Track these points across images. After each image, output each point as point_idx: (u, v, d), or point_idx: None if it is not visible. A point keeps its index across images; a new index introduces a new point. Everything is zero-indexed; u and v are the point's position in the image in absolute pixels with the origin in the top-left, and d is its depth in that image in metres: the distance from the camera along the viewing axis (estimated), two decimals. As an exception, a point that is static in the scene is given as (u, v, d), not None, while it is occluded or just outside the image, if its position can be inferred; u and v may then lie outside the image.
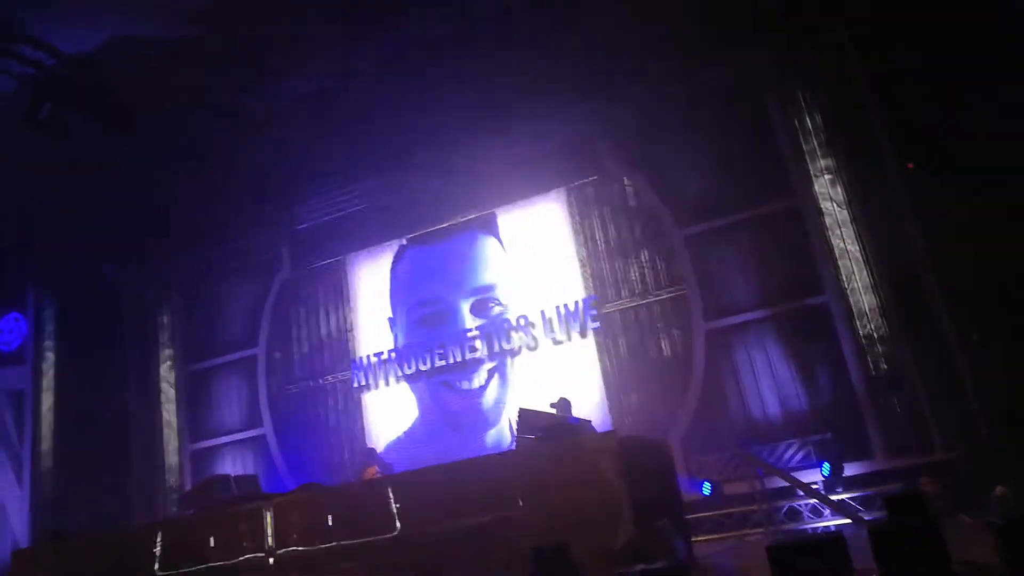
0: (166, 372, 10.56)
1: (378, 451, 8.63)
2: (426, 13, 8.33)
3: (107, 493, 9.68)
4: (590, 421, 6.77)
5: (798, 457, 7.30)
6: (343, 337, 9.87)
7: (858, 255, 7.41)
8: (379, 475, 7.49)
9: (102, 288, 10.81)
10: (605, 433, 5.58)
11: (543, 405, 7.33)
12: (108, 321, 10.64)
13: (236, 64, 8.77)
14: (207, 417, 10.48)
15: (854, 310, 7.37)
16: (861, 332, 7.32)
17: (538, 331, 8.77)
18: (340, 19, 8.25)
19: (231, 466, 9.90)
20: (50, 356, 10.23)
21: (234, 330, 10.56)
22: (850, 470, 7.01)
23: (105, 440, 10.07)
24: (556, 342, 8.67)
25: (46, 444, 9.86)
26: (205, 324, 10.82)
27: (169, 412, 10.38)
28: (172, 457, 10.19)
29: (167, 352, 10.66)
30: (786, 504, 7.16)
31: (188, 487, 9.83)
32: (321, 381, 9.92)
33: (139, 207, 10.32)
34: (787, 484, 6.98)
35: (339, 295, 10.07)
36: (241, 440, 10.13)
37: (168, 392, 10.46)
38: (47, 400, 10.04)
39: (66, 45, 8.46)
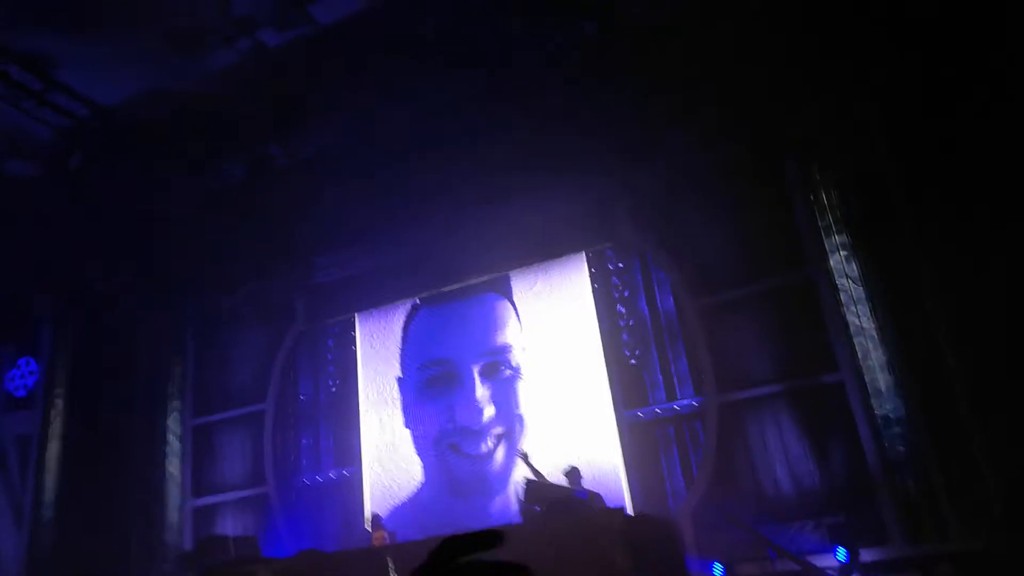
0: (173, 424, 10.47)
1: (383, 517, 8.46)
2: (449, 76, 8.52)
3: (106, 547, 9.54)
4: (599, 495, 6.65)
5: (812, 540, 7.09)
6: (352, 395, 9.79)
7: (873, 333, 7.29)
8: (386, 542, 7.35)
9: (116, 335, 10.86)
10: (611, 511, 5.46)
11: (553, 473, 7.23)
12: (119, 370, 10.65)
13: (261, 116, 9.00)
14: (211, 473, 10.34)
15: (869, 389, 7.21)
16: (877, 412, 7.15)
17: (549, 396, 8.67)
18: (365, 79, 8.47)
19: (232, 525, 9.71)
20: (59, 403, 10.20)
21: (243, 383, 10.51)
22: (866, 556, 6.77)
23: (108, 492, 9.97)
24: (567, 409, 8.56)
25: (49, 494, 9.76)
26: (215, 376, 10.78)
27: (173, 466, 10.24)
28: (173, 513, 10.01)
29: (175, 403, 10.59)
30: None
31: (187, 545, 9.67)
32: (327, 441, 9.84)
33: (158, 252, 10.45)
34: (800, 568, 6.76)
35: (350, 352, 10.05)
36: (243, 498, 9.95)
37: (174, 445, 10.35)
38: (53, 448, 9.97)
39: (99, 95, 8.75)
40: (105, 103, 8.82)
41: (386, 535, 7.59)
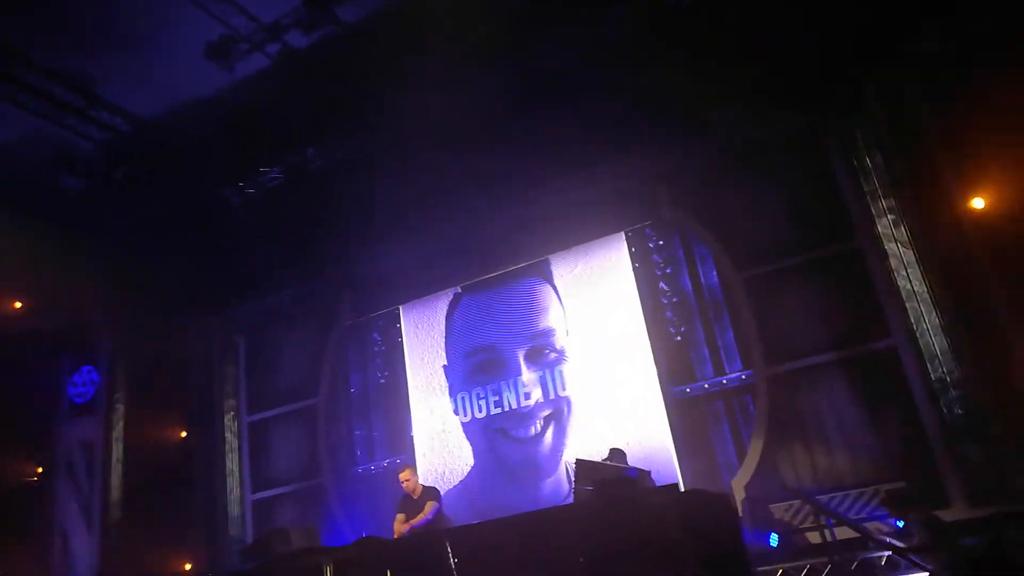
0: (229, 422, 10.77)
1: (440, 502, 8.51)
2: (481, 65, 8.49)
3: (172, 543, 9.88)
4: (649, 472, 6.64)
5: (871, 507, 6.99)
6: (400, 386, 9.92)
7: (926, 296, 7.14)
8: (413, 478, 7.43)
9: (170, 339, 11.16)
10: (665, 487, 5.46)
11: (600, 454, 7.25)
12: (175, 373, 10.97)
13: (295, 120, 9.12)
14: (268, 467, 10.61)
15: (924, 353, 7.08)
16: (933, 376, 7.02)
17: (595, 377, 8.67)
18: (395, 75, 8.50)
19: (291, 516, 9.97)
20: (120, 408, 10.57)
21: (294, 379, 10.74)
22: (927, 521, 6.67)
23: (171, 490, 10.30)
24: (613, 388, 8.55)
25: (115, 494, 10.13)
26: (267, 374, 11.04)
27: (232, 462, 10.55)
28: (235, 507, 10.32)
29: (231, 402, 10.89)
30: (860, 556, 6.83)
31: (250, 538, 9.95)
32: (379, 431, 10.00)
33: (204, 258, 10.68)
34: (859, 535, 6.68)
35: (396, 344, 10.18)
36: (301, 490, 10.21)
37: (232, 442, 10.65)
38: (116, 451, 10.35)
39: (138, 108, 8.95)
40: (144, 116, 9.03)
41: (413, 475, 7.56)
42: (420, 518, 7.02)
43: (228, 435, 10.67)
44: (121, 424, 10.53)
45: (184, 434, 10.77)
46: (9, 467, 10.79)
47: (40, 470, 10.89)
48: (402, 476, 7.46)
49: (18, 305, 10.35)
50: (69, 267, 9.94)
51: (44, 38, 7.83)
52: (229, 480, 10.43)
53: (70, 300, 10.45)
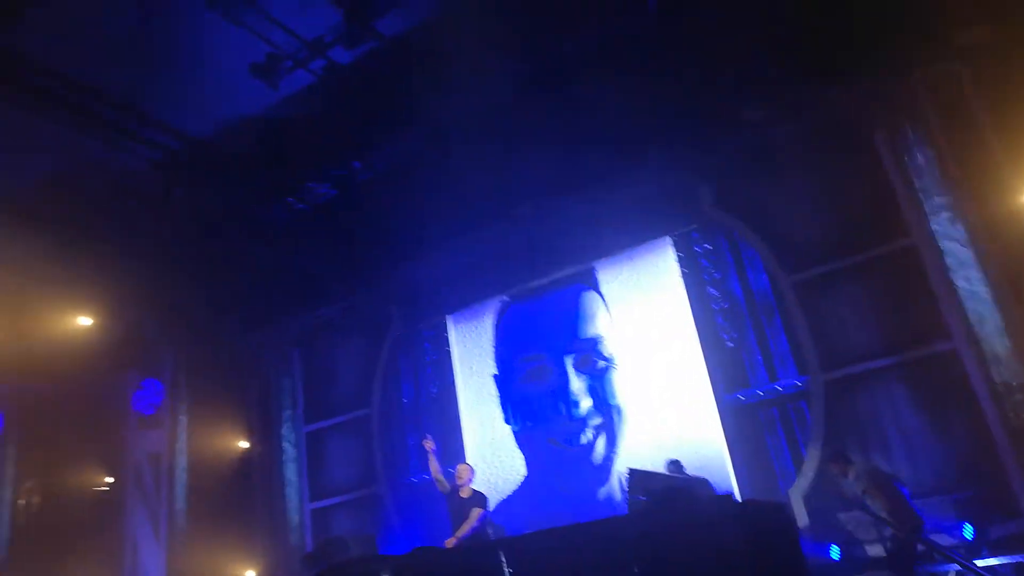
0: (287, 432, 11.01)
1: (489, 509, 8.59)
2: (520, 71, 8.51)
3: (235, 551, 10.15)
4: (706, 480, 6.58)
5: (935, 517, 6.77)
6: (451, 395, 10.00)
7: (986, 296, 6.90)
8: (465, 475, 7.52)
9: (228, 353, 11.46)
10: (721, 497, 5.40)
11: (653, 462, 7.19)
12: (235, 385, 11.28)
13: (341, 133, 9.26)
14: (325, 476, 10.81)
15: (987, 355, 6.83)
16: (996, 379, 6.77)
17: (646, 385, 8.60)
18: (436, 83, 8.57)
19: (349, 525, 10.13)
20: (183, 420, 10.92)
21: (348, 390, 10.91)
22: (996, 531, 6.44)
23: (233, 500, 10.60)
24: (664, 396, 8.48)
25: (181, 504, 10.47)
26: (321, 385, 11.24)
27: (291, 472, 10.78)
28: (294, 516, 10.54)
29: (288, 413, 11.13)
30: (926, 568, 6.63)
31: (309, 545, 10.15)
32: (432, 441, 10.09)
33: (260, 273, 10.93)
34: (924, 548, 6.47)
35: (446, 354, 10.26)
36: (357, 499, 10.37)
37: (290, 452, 10.89)
38: (181, 462, 10.70)
39: (189, 127, 9.19)
40: (195, 134, 9.27)
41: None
42: (466, 528, 7.10)
43: (286, 445, 10.91)
44: (185, 436, 10.88)
45: (245, 445, 11.06)
46: (82, 477, 11.25)
47: (111, 480, 11.32)
48: (458, 468, 7.60)
49: (85, 322, 10.75)
50: (131, 285, 10.29)
51: (97, 64, 8.09)
52: (288, 489, 10.65)
53: (133, 316, 10.82)
